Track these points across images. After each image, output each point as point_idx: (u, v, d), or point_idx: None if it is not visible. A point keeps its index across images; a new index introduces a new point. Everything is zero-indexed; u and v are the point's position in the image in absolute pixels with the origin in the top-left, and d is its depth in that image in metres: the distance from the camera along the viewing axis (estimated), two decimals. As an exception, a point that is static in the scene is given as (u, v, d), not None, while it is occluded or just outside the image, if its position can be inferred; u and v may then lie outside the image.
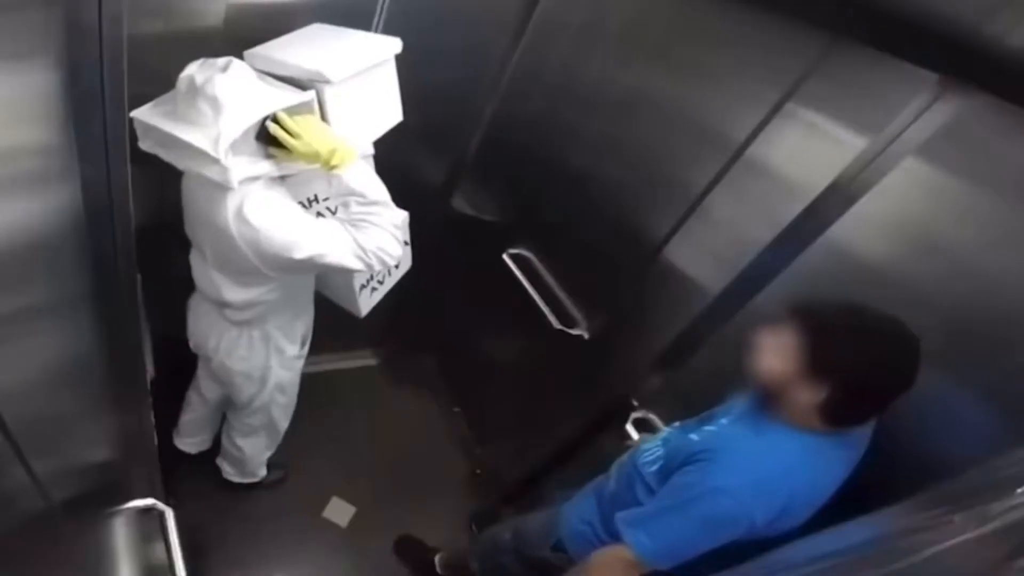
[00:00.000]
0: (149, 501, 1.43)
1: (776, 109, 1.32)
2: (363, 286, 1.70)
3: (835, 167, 1.19)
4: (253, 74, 1.25)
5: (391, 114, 1.56)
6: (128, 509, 1.43)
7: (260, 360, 1.65)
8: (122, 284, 1.03)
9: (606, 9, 1.77)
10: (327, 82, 1.29)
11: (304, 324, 1.76)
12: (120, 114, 0.83)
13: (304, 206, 1.46)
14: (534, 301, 1.98)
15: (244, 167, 1.22)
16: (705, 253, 1.51)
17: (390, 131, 1.55)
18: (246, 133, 1.20)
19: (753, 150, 1.38)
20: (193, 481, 2.07)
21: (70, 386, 1.14)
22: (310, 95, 1.29)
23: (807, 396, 1.01)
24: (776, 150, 1.34)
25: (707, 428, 1.18)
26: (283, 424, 1.97)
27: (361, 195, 1.32)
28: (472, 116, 2.00)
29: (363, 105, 1.43)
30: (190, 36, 1.34)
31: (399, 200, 1.72)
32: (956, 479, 0.74)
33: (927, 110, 1.06)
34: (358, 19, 1.57)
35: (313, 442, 2.37)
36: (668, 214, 1.58)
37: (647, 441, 1.34)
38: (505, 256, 2.12)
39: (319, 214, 1.50)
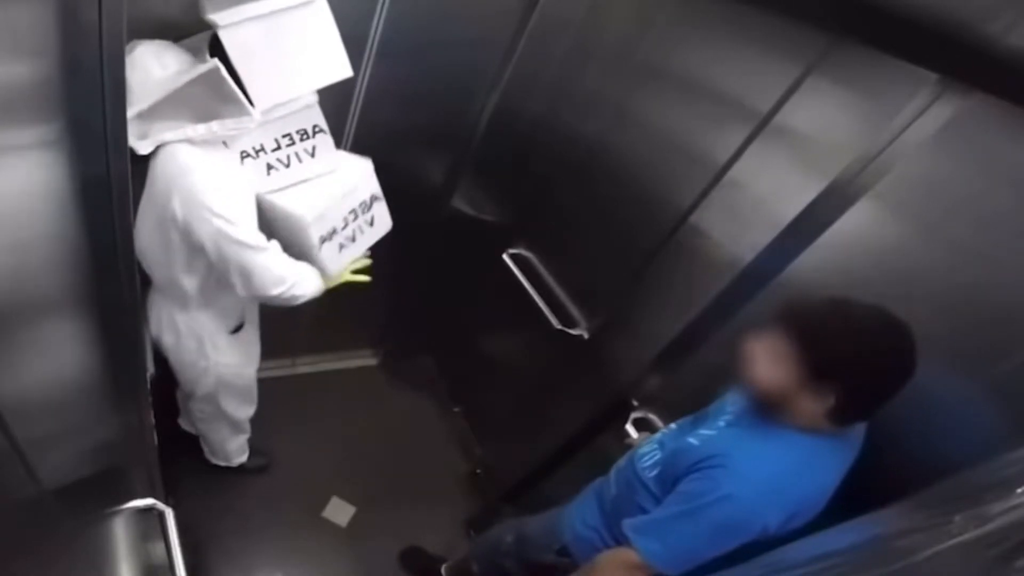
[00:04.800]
0: (149, 501, 1.43)
1: (775, 110, 1.32)
2: (324, 239, 1.59)
3: (835, 167, 1.19)
4: (153, 58, 1.25)
5: (331, 66, 1.44)
6: (128, 509, 1.43)
7: (192, 346, 1.61)
8: (122, 284, 1.03)
9: (606, 9, 1.78)
10: (216, 26, 1.25)
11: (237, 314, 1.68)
12: (120, 112, 0.83)
13: (251, 157, 1.45)
14: (534, 301, 1.98)
15: (161, 133, 1.26)
16: (705, 253, 1.51)
17: (391, 131, 1.53)
18: (165, 102, 1.22)
19: (753, 150, 1.38)
20: (192, 480, 2.07)
21: (70, 386, 1.14)
22: (210, 64, 1.23)
23: (814, 403, 1.00)
24: (775, 151, 1.34)
25: (705, 432, 1.16)
26: (240, 414, 1.92)
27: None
28: (473, 115, 2.00)
29: (280, 53, 1.35)
30: (189, 34, 1.35)
31: (399, 200, 1.72)
32: (956, 479, 0.74)
33: (927, 110, 1.06)
34: (358, 17, 1.57)
35: (313, 442, 2.38)
36: (668, 214, 1.58)
37: (643, 444, 1.32)
38: (505, 256, 2.12)
39: (269, 165, 1.50)
